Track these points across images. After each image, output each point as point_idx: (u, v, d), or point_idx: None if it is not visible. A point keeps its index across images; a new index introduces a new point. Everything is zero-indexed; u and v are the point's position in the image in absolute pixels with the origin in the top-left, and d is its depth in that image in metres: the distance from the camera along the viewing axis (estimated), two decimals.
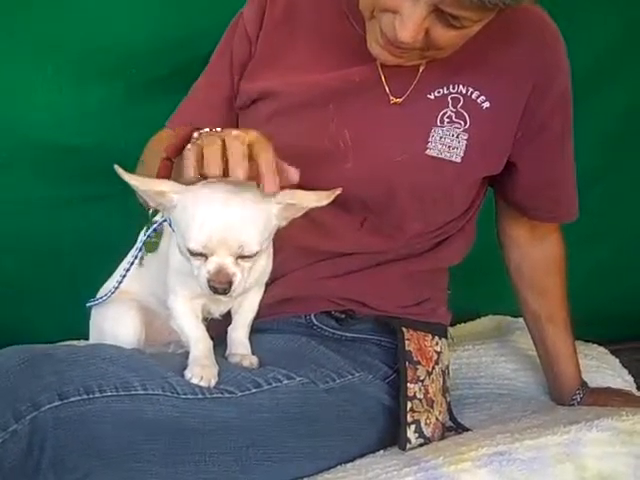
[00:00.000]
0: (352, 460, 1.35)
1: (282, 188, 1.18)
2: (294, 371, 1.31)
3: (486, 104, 1.38)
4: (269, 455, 1.26)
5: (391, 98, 1.38)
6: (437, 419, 1.41)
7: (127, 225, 1.98)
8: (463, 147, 1.37)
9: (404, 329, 1.42)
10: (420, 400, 1.39)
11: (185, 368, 1.24)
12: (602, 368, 1.81)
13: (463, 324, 2.10)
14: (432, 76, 1.37)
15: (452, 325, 1.62)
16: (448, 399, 1.50)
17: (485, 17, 1.23)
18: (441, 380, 1.46)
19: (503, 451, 1.26)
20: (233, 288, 1.17)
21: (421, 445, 1.37)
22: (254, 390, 1.25)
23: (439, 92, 1.38)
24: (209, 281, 1.17)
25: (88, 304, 1.44)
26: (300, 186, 1.37)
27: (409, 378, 1.38)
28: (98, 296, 1.46)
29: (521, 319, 1.97)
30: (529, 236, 1.59)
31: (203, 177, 1.16)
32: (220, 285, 1.17)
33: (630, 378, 1.84)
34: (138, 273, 1.41)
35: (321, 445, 1.32)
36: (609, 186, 2.10)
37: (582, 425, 1.29)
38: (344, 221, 1.41)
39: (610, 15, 1.93)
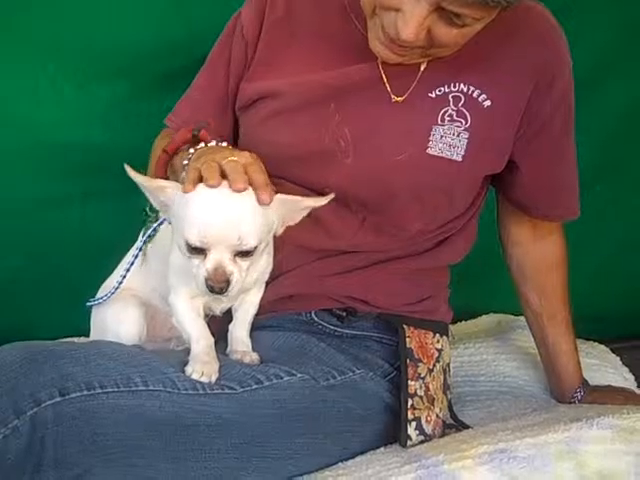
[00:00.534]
0: (352, 457, 1.36)
1: None
2: (295, 368, 1.31)
3: (487, 102, 1.37)
4: (269, 451, 1.27)
5: (392, 97, 1.37)
6: (438, 416, 1.42)
7: (128, 222, 1.99)
8: (464, 146, 1.37)
9: (405, 326, 1.42)
10: (421, 397, 1.39)
11: (186, 364, 1.24)
12: (603, 366, 1.81)
13: (464, 322, 2.10)
14: (433, 74, 1.37)
15: (452, 323, 1.61)
16: (449, 396, 1.50)
17: (487, 15, 1.23)
18: (442, 377, 1.46)
19: (504, 448, 1.26)
20: (230, 287, 1.18)
21: (422, 442, 1.37)
22: (255, 386, 1.25)
23: (440, 90, 1.38)
24: (207, 280, 1.18)
25: (88, 304, 1.44)
26: (301, 185, 1.38)
27: (410, 375, 1.38)
28: (99, 294, 1.47)
29: (521, 317, 1.98)
30: (531, 235, 1.59)
31: None
32: (217, 284, 1.18)
33: (631, 376, 1.84)
34: (139, 270, 1.41)
35: (321, 442, 1.32)
36: (611, 184, 2.10)
37: (583, 423, 1.30)
38: (344, 219, 1.41)
39: (610, 14, 1.92)
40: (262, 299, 1.39)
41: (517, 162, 1.44)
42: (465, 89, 1.37)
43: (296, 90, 1.42)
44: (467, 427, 1.46)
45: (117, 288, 1.39)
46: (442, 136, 1.36)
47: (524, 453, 1.25)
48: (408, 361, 1.39)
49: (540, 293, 1.61)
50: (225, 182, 1.22)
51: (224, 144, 1.33)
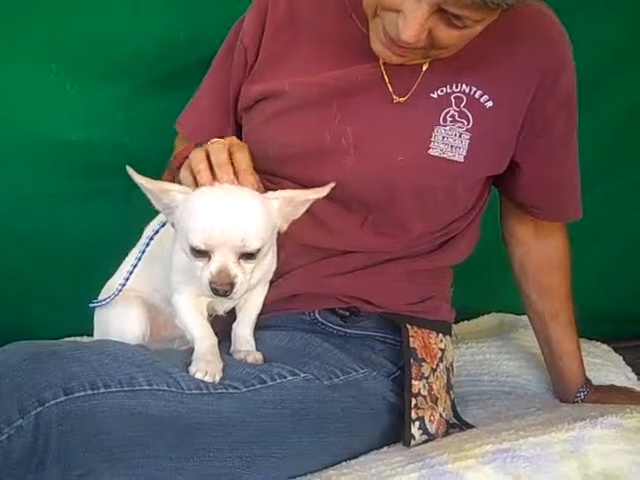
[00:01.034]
0: (356, 456, 1.36)
1: None
2: (298, 367, 1.32)
3: (489, 103, 1.37)
4: (273, 451, 1.27)
5: (394, 97, 1.37)
6: (441, 416, 1.42)
7: (129, 221, 1.99)
8: (466, 146, 1.37)
9: (409, 326, 1.42)
10: (424, 397, 1.39)
11: (190, 364, 1.24)
12: (606, 366, 1.81)
13: (466, 322, 2.10)
14: (435, 75, 1.37)
15: (455, 322, 1.62)
16: (452, 396, 1.50)
17: (488, 17, 1.23)
18: (445, 377, 1.46)
19: (507, 448, 1.26)
20: (235, 290, 1.19)
21: (425, 441, 1.38)
22: (259, 386, 1.25)
23: (442, 91, 1.38)
24: (211, 283, 1.18)
25: (92, 305, 1.44)
26: (303, 184, 1.38)
27: (413, 375, 1.39)
28: (102, 295, 1.47)
29: (524, 317, 1.98)
30: (533, 235, 1.59)
31: None
32: (221, 287, 1.18)
33: (634, 376, 1.84)
34: (142, 270, 1.41)
35: (325, 441, 1.33)
36: (612, 184, 2.10)
37: (586, 422, 1.30)
38: (346, 219, 1.42)
39: (613, 14, 1.92)
40: (265, 298, 1.39)
41: (519, 163, 1.44)
42: (467, 90, 1.37)
43: (298, 90, 1.42)
44: (470, 427, 1.46)
45: (120, 290, 1.39)
46: (444, 137, 1.36)
47: (528, 453, 1.25)
48: (412, 361, 1.39)
49: (542, 293, 1.61)
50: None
51: None
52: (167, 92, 1.89)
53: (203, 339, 1.28)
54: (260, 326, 1.39)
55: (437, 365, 1.44)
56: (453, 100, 1.37)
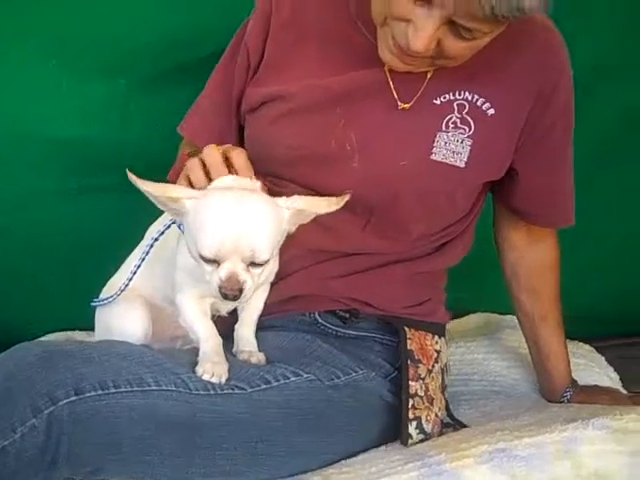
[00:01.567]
0: (354, 455, 1.39)
1: None
2: (301, 368, 1.34)
3: (491, 111, 1.40)
4: (276, 450, 1.30)
5: (399, 103, 1.40)
6: (437, 415, 1.45)
7: (125, 218, 2.01)
8: (467, 152, 1.40)
9: (406, 328, 1.45)
10: (421, 397, 1.42)
11: (196, 364, 1.26)
12: (589, 366, 1.85)
13: (452, 321, 2.11)
14: (439, 82, 1.39)
15: None
16: (446, 396, 1.53)
17: (496, 29, 1.26)
18: (440, 378, 1.50)
19: (503, 448, 1.30)
20: (243, 294, 1.20)
21: (422, 441, 1.41)
22: (264, 387, 1.28)
23: (445, 98, 1.40)
24: (220, 288, 1.19)
25: (93, 304, 1.45)
26: (306, 187, 1.40)
27: (411, 376, 1.41)
28: (103, 293, 1.47)
29: (508, 316, 2.02)
30: (526, 240, 1.62)
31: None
32: (231, 292, 1.19)
33: (615, 375, 1.88)
34: (144, 269, 1.42)
35: (326, 440, 1.35)
36: (598, 187, 2.13)
37: (579, 424, 1.33)
38: (348, 222, 1.43)
39: (607, 20, 1.95)
40: (267, 300, 1.41)
41: (517, 169, 1.47)
42: (470, 97, 1.40)
43: (303, 93, 1.43)
44: (464, 426, 1.49)
45: (123, 290, 1.39)
46: (446, 142, 1.39)
47: (523, 452, 1.29)
48: (409, 362, 1.42)
49: (533, 295, 1.65)
50: (235, 187, 1.26)
51: None
52: (164, 90, 1.90)
53: (208, 340, 1.29)
54: (261, 327, 1.41)
55: (433, 366, 1.47)
56: (456, 107, 1.40)
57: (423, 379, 1.44)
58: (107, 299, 1.41)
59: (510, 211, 1.58)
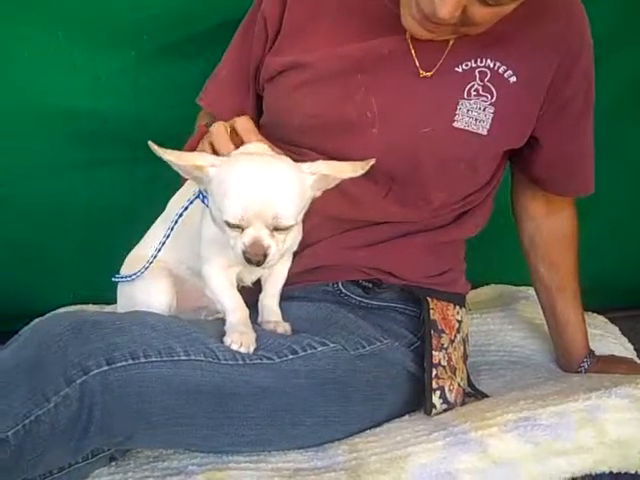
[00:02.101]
0: (379, 424, 1.40)
1: None
2: (327, 338, 1.34)
3: (513, 78, 1.40)
4: (303, 419, 1.30)
5: (420, 71, 1.39)
6: (459, 385, 1.46)
7: (134, 190, 2.01)
8: (489, 120, 1.40)
9: (429, 299, 1.46)
10: (444, 367, 1.43)
11: (223, 335, 1.26)
12: (605, 337, 1.85)
13: None
14: (460, 50, 1.39)
15: None
16: (467, 366, 1.54)
17: None
18: (462, 348, 1.50)
19: (527, 417, 1.30)
20: (268, 260, 1.20)
21: (445, 410, 1.41)
22: (291, 356, 1.28)
23: (467, 65, 1.40)
24: (244, 252, 1.19)
25: (116, 280, 1.44)
26: (327, 154, 1.40)
27: (434, 346, 1.42)
28: (125, 265, 1.46)
29: (522, 288, 2.03)
30: (544, 209, 1.62)
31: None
32: (255, 257, 1.19)
33: (630, 346, 1.88)
34: (168, 241, 1.41)
35: (352, 410, 1.36)
36: (609, 159, 2.13)
37: (602, 392, 1.33)
38: (369, 190, 1.43)
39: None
40: (289, 270, 1.41)
41: (538, 138, 1.47)
42: (491, 64, 1.39)
43: (322, 62, 1.43)
44: (485, 396, 1.49)
45: (148, 267, 1.38)
46: (468, 110, 1.39)
47: (547, 421, 1.29)
48: (432, 332, 1.43)
49: (551, 266, 1.65)
50: (258, 155, 1.26)
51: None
52: (174, 61, 1.89)
53: (236, 310, 1.29)
54: (284, 297, 1.41)
55: (455, 336, 1.48)
56: (477, 74, 1.39)
57: (446, 349, 1.44)
58: (132, 275, 1.39)
59: (530, 180, 1.58)
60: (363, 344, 1.39)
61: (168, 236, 1.37)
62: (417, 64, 1.39)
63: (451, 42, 1.39)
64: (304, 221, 1.34)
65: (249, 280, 1.37)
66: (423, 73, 1.39)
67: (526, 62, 1.40)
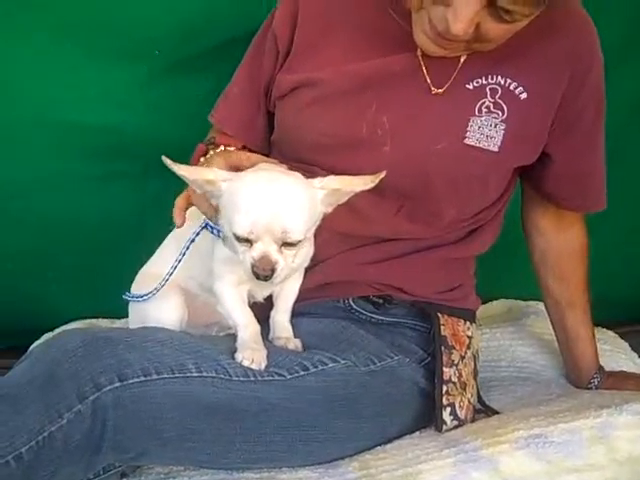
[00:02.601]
0: (390, 441, 1.40)
1: None
2: (337, 354, 1.35)
3: (524, 95, 1.40)
4: (314, 435, 1.30)
5: (432, 88, 1.40)
6: (469, 402, 1.46)
7: (144, 205, 2.01)
8: (500, 137, 1.40)
9: (439, 314, 1.46)
10: (454, 383, 1.43)
11: (234, 351, 1.27)
12: (615, 352, 1.85)
13: None
14: (471, 67, 1.39)
15: None
16: (477, 382, 1.54)
17: (535, 11, 1.25)
18: (472, 364, 1.50)
19: (539, 434, 1.30)
20: (275, 275, 1.21)
21: (455, 427, 1.41)
22: (302, 373, 1.28)
23: (477, 82, 1.40)
24: (253, 267, 1.20)
25: (128, 299, 1.45)
26: (338, 172, 1.40)
27: (444, 362, 1.42)
28: (136, 283, 1.47)
29: (532, 303, 2.03)
30: (555, 225, 1.62)
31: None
32: (263, 272, 1.20)
33: None
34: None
35: (362, 426, 1.36)
36: (618, 173, 2.13)
37: (612, 409, 1.34)
38: (381, 207, 1.43)
39: (614, 9, 1.94)
40: (301, 286, 1.41)
41: (550, 153, 1.47)
42: (502, 81, 1.40)
43: (334, 79, 1.43)
44: (496, 412, 1.49)
45: (160, 288, 1.39)
46: (479, 127, 1.39)
47: (559, 438, 1.29)
48: (443, 348, 1.43)
49: (561, 281, 1.65)
50: (269, 171, 1.27)
51: (231, 149, 1.45)
52: (185, 76, 1.89)
53: (247, 326, 1.30)
54: (296, 313, 1.41)
55: (465, 352, 1.48)
56: (488, 91, 1.39)
57: (456, 365, 1.44)
58: (143, 296, 1.40)
59: (541, 196, 1.58)
60: (374, 360, 1.39)
61: (180, 261, 1.38)
62: (428, 81, 1.40)
63: (462, 59, 1.39)
64: (315, 237, 1.35)
65: (260, 296, 1.38)
66: (434, 90, 1.40)
67: (537, 78, 1.41)
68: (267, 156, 1.48)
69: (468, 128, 1.39)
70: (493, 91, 1.40)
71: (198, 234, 1.35)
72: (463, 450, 1.30)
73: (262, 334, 1.32)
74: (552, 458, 1.28)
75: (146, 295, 1.40)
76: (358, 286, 1.47)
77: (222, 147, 1.46)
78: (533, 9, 1.24)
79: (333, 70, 1.44)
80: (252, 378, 1.24)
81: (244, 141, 1.55)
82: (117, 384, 1.14)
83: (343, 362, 1.34)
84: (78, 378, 1.13)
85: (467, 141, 1.39)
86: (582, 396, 1.53)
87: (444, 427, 1.39)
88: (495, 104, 1.40)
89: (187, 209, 1.36)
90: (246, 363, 1.24)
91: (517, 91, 1.40)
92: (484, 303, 2.15)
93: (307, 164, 1.44)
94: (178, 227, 1.35)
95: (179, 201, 1.36)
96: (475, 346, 1.54)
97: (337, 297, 1.48)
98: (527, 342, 1.85)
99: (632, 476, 1.30)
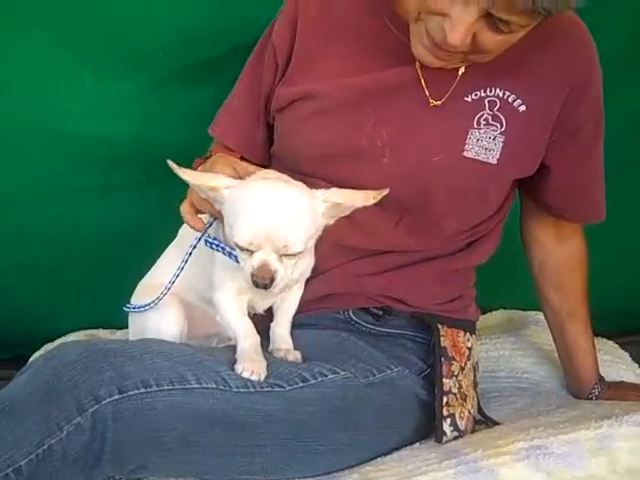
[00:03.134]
0: (389, 452, 1.40)
1: None
2: (337, 366, 1.35)
3: (522, 107, 1.40)
4: (313, 447, 1.30)
5: (430, 100, 1.40)
6: (469, 412, 1.46)
7: (147, 215, 2.02)
8: (499, 149, 1.40)
9: (439, 326, 1.46)
10: (454, 394, 1.43)
11: (234, 362, 1.27)
12: (615, 362, 1.85)
13: None
14: (470, 79, 1.39)
15: None
16: (477, 393, 1.54)
17: (532, 22, 1.26)
18: (472, 375, 1.50)
19: (539, 445, 1.30)
20: (275, 284, 1.21)
21: (455, 438, 1.41)
22: (302, 384, 1.28)
23: (476, 95, 1.40)
24: (252, 275, 1.21)
25: (129, 310, 1.46)
26: (338, 184, 1.40)
27: (444, 373, 1.42)
28: (137, 293, 1.48)
29: (532, 313, 2.03)
30: (554, 236, 1.62)
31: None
32: (262, 280, 1.20)
33: None
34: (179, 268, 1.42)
35: (362, 437, 1.36)
36: (615, 184, 2.14)
37: (613, 420, 1.33)
38: (380, 219, 1.44)
39: (612, 22, 1.94)
40: (301, 298, 1.42)
41: (549, 166, 1.48)
42: (501, 94, 1.40)
43: (333, 92, 1.44)
44: (496, 423, 1.49)
45: (161, 298, 1.40)
46: (478, 139, 1.39)
47: (559, 450, 1.29)
48: (442, 360, 1.43)
49: (560, 292, 1.65)
50: (272, 180, 1.27)
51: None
52: (185, 87, 1.90)
53: (247, 337, 1.30)
54: (295, 324, 1.42)
55: (465, 363, 1.48)
56: (487, 104, 1.40)
57: (456, 376, 1.44)
58: (143, 306, 1.41)
59: (540, 207, 1.58)
60: (373, 372, 1.39)
61: (181, 269, 1.38)
62: (427, 93, 1.40)
63: (460, 72, 1.39)
64: (316, 249, 1.35)
65: (261, 308, 1.38)
66: (433, 102, 1.40)
67: (535, 90, 1.41)
68: (266, 168, 1.49)
69: (467, 140, 1.39)
70: (492, 103, 1.40)
71: (200, 239, 1.36)
72: (463, 461, 1.29)
73: (262, 346, 1.32)
74: (552, 469, 1.27)
75: (147, 305, 1.40)
76: (358, 297, 1.47)
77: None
78: (530, 20, 1.24)
79: (332, 83, 1.44)
80: (252, 389, 1.24)
81: (245, 154, 1.56)
82: (117, 396, 1.14)
83: (343, 374, 1.34)
84: (78, 390, 1.13)
85: (466, 154, 1.40)
86: (582, 407, 1.52)
87: (444, 438, 1.39)
88: (494, 117, 1.40)
89: (196, 213, 1.36)
90: (246, 374, 1.24)
91: (516, 104, 1.40)
92: (484, 313, 2.16)
93: (307, 176, 1.44)
94: (199, 230, 1.34)
95: (185, 208, 1.35)
96: (475, 357, 1.54)
97: (337, 309, 1.48)
98: (527, 353, 1.86)
99: None
